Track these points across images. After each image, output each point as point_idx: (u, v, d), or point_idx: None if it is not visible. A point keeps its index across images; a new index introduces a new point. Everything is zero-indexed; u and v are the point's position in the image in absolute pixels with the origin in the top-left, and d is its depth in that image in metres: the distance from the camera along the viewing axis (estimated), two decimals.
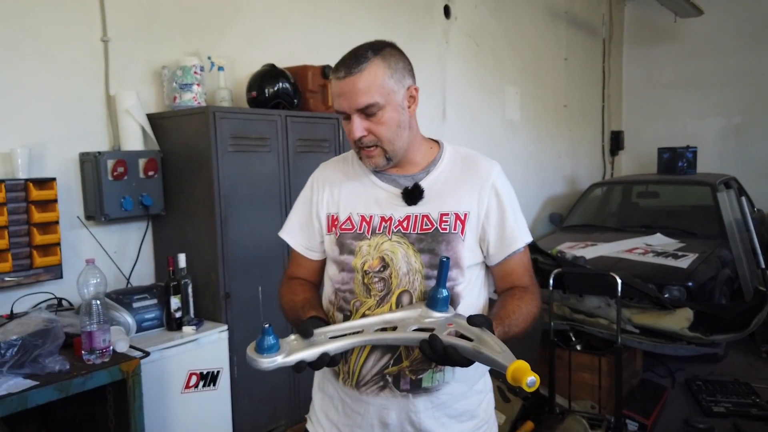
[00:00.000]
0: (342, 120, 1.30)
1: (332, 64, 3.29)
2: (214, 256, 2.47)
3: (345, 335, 1.18)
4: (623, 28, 7.52)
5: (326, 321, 1.26)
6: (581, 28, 6.52)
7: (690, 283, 3.83)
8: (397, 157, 1.30)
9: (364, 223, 1.32)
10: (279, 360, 1.09)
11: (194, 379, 2.32)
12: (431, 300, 1.20)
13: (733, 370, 3.93)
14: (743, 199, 4.64)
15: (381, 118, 1.24)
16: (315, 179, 1.44)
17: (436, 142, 1.41)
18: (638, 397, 3.34)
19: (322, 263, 1.44)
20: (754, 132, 6.79)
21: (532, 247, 3.80)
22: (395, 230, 1.29)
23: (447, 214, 1.29)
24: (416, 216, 1.29)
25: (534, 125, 5.78)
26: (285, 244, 1.45)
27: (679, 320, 3.14)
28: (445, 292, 1.19)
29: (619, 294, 2.92)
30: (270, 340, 1.09)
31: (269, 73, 2.75)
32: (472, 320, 1.11)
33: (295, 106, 2.79)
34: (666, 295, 3.75)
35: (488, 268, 1.39)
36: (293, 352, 1.11)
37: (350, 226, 1.33)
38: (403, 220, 1.29)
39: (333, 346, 1.14)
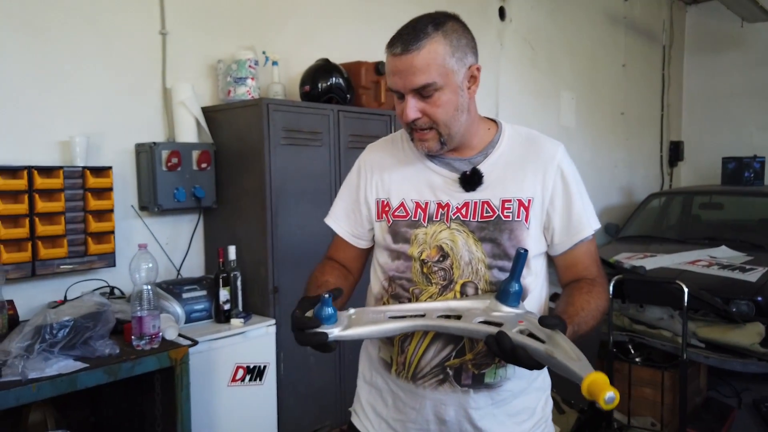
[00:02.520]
0: (395, 99, 1.19)
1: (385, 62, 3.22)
2: (263, 249, 2.44)
3: (406, 317, 1.10)
4: (684, 35, 7.23)
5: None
6: (641, 34, 6.30)
7: (759, 298, 3.57)
8: (452, 141, 1.20)
9: (419, 209, 1.22)
10: (336, 332, 1.03)
11: (241, 372, 2.28)
12: (502, 293, 1.10)
13: None
14: None
15: (438, 100, 1.13)
16: (362, 163, 1.34)
17: (494, 121, 1.30)
18: (703, 416, 3.13)
19: (366, 252, 1.36)
20: None
21: None
22: (453, 217, 1.20)
23: (509, 201, 1.19)
24: (476, 203, 1.19)
25: (590, 132, 5.59)
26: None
27: (750, 335, 2.93)
28: (517, 286, 1.10)
29: (686, 304, 2.74)
30: (328, 310, 1.03)
31: (323, 68, 2.72)
32: (544, 321, 1.00)
33: (348, 102, 2.75)
34: (733, 310, 3.52)
35: (549, 259, 1.29)
36: (351, 326, 1.05)
37: (404, 213, 1.24)
38: (462, 207, 1.20)
39: (393, 326, 1.07)
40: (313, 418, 2.62)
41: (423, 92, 1.13)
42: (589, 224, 1.22)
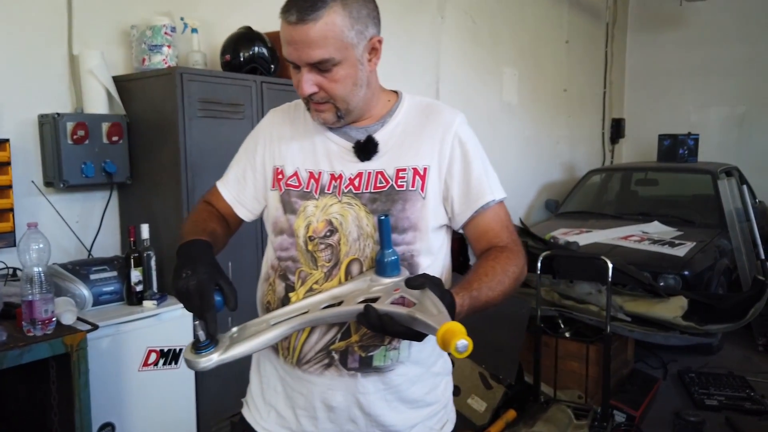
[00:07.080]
0: (291, 69, 1.12)
1: None
2: (180, 228, 2.33)
3: (290, 319, 1.04)
4: (627, 13, 7.32)
5: (211, 246, 1.12)
6: (584, 11, 6.32)
7: (686, 272, 3.69)
8: (350, 115, 1.15)
9: (312, 180, 1.17)
10: (215, 358, 0.96)
11: (153, 356, 2.19)
12: (378, 265, 1.06)
13: (728, 363, 3.80)
14: (744, 187, 4.49)
15: (335, 75, 1.08)
16: (262, 127, 1.28)
17: (396, 93, 1.25)
18: (628, 387, 3.21)
19: (240, 221, 1.31)
20: (758, 122, 6.62)
21: (523, 231, 3.68)
22: (345, 190, 1.14)
23: (404, 170, 1.13)
24: (369, 173, 1.14)
25: (532, 109, 5.61)
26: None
27: (673, 308, 3.01)
28: (392, 255, 1.05)
29: (610, 279, 2.78)
30: (202, 336, 0.96)
31: (245, 36, 2.59)
32: (409, 283, 0.97)
33: (272, 73, 2.64)
34: (661, 284, 3.61)
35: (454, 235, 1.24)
36: (233, 345, 0.98)
37: (296, 183, 1.18)
38: (355, 178, 1.14)
39: (274, 334, 1.01)
40: (234, 401, 2.53)
41: (320, 66, 1.07)
42: (491, 191, 1.17)
